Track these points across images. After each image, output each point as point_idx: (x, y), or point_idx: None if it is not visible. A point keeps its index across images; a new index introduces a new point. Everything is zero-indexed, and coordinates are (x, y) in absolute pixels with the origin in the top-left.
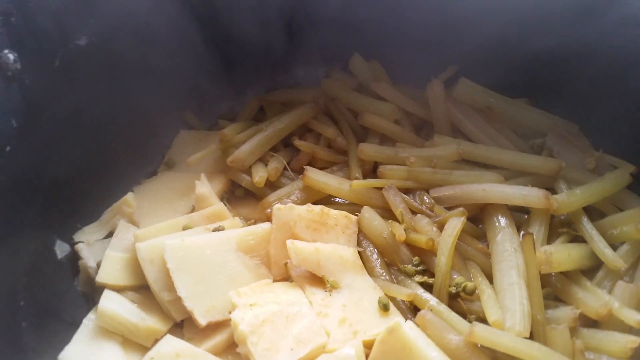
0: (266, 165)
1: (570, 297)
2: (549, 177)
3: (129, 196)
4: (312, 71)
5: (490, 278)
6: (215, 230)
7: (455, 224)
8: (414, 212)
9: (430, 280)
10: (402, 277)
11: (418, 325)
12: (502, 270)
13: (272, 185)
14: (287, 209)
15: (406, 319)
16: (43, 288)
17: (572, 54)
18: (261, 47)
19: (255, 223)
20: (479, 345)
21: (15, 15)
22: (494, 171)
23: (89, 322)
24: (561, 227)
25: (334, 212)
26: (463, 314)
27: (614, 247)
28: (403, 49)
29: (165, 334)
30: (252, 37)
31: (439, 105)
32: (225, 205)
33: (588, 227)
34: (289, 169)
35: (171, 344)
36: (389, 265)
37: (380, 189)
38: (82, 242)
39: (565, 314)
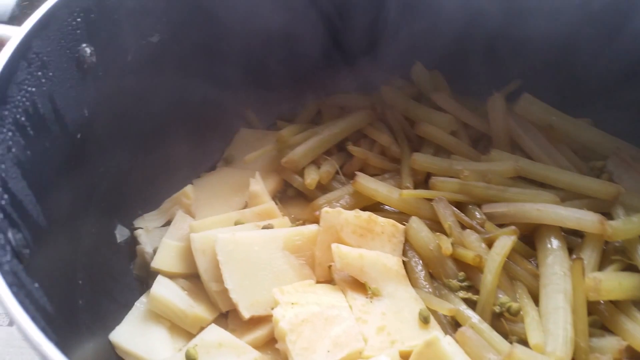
0: (319, 168)
1: (618, 328)
2: (607, 202)
3: (188, 188)
4: (372, 78)
5: (536, 300)
6: (265, 227)
7: (505, 242)
8: (463, 227)
9: (475, 297)
10: (446, 291)
11: (457, 342)
12: (549, 294)
13: (323, 188)
14: (335, 212)
15: (446, 334)
16: (101, 269)
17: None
18: (323, 50)
19: (304, 224)
20: None
21: (94, 11)
22: (550, 191)
23: (140, 305)
24: (615, 255)
25: (381, 220)
26: (505, 335)
27: None
28: (466, 60)
29: (210, 323)
30: (315, 39)
31: (499, 119)
32: (277, 204)
33: None
34: (341, 173)
35: (215, 333)
36: (433, 278)
37: (430, 200)
38: (142, 228)
39: (610, 344)
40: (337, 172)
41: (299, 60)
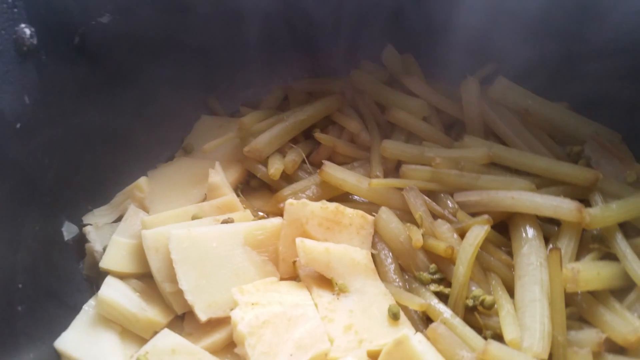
0: (284, 157)
1: (596, 319)
2: (585, 188)
3: (142, 180)
4: (341, 61)
5: (511, 292)
6: (224, 222)
7: (478, 232)
8: (435, 217)
9: (447, 291)
10: (417, 284)
11: (429, 339)
12: (525, 285)
13: (288, 178)
14: (299, 204)
15: (417, 331)
16: (46, 270)
17: (619, 60)
18: (291, 33)
19: (268, 217)
20: None
21: None
22: (526, 178)
23: (89, 308)
24: (593, 243)
25: (349, 211)
26: (479, 329)
27: None
28: (439, 43)
29: (164, 327)
30: (283, 22)
31: (473, 104)
32: (238, 196)
33: (622, 245)
34: (307, 162)
35: (168, 338)
36: (403, 270)
37: (401, 189)
38: (91, 224)
39: (589, 337)
40: (303, 161)
41: (264, 43)
